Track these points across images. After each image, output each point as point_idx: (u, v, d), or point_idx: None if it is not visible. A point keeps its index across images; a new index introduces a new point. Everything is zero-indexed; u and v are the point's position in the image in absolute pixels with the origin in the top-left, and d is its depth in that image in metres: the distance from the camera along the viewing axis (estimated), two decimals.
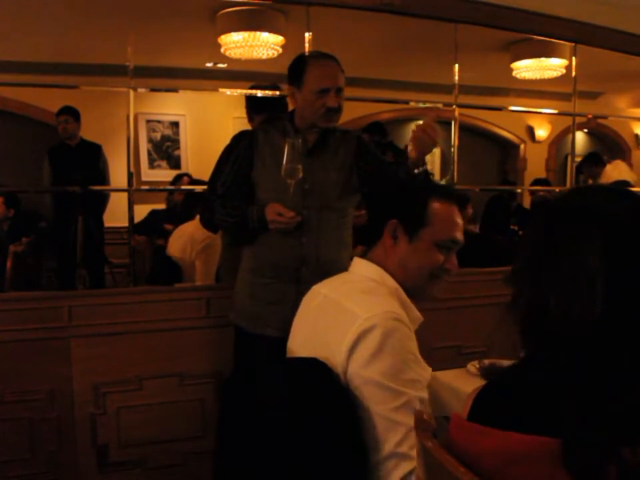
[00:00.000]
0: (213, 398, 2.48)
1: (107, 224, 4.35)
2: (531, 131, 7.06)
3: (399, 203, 1.41)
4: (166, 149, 5.88)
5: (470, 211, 4.47)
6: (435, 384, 1.85)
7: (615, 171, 5.33)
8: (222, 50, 4.03)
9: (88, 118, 4.25)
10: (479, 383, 0.89)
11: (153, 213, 4.71)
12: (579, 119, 3.60)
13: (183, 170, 5.62)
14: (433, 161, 6.56)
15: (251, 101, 2.74)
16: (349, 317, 1.24)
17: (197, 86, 4.81)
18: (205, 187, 2.70)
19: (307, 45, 2.70)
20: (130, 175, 2.65)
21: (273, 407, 1.21)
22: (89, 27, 3.65)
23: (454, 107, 3.07)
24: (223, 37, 3.88)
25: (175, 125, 5.88)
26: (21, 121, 5.27)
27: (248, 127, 2.68)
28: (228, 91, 3.13)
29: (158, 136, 5.84)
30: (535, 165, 6.94)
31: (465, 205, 4.45)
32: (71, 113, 4.10)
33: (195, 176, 4.67)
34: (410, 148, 1.87)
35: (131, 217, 2.64)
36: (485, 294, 2.79)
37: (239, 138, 2.32)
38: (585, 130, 7.24)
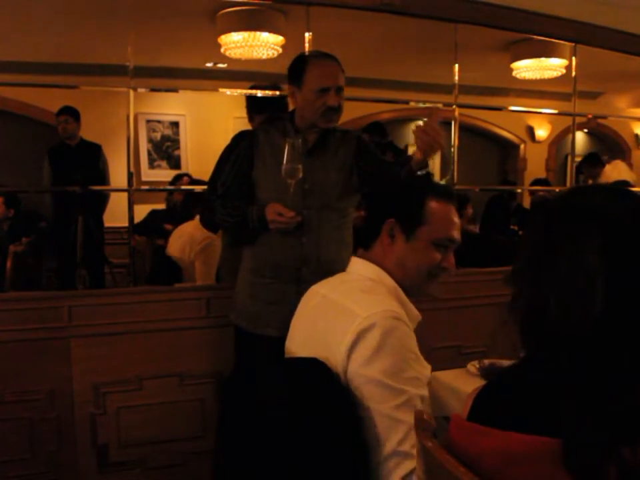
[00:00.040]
0: (213, 398, 2.48)
1: (107, 224, 4.35)
2: (530, 130, 7.06)
3: (396, 202, 1.41)
4: (166, 149, 5.88)
5: (470, 210, 4.48)
6: (435, 384, 1.84)
7: (615, 171, 5.33)
8: (222, 50, 4.03)
9: (88, 118, 4.25)
10: (479, 383, 0.90)
11: (152, 213, 4.71)
12: (578, 119, 3.60)
13: (183, 170, 5.62)
14: (433, 161, 6.56)
15: (251, 101, 2.74)
16: (348, 316, 1.25)
17: (197, 86, 4.81)
18: (205, 186, 2.70)
19: (307, 44, 2.70)
20: (130, 175, 2.65)
21: (273, 406, 1.21)
22: (89, 27, 3.65)
23: (454, 106, 3.07)
24: (222, 37, 3.88)
25: (175, 125, 5.88)
26: (20, 120, 5.27)
27: (248, 126, 2.68)
28: (228, 91, 3.13)
29: (158, 136, 5.84)
30: (535, 164, 6.94)
31: (465, 204, 4.45)
32: (70, 113, 4.11)
33: (195, 176, 4.67)
34: (414, 149, 1.87)
35: (131, 217, 2.64)
36: (484, 294, 2.79)
37: (239, 138, 2.32)
38: (585, 130, 7.24)
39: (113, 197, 4.36)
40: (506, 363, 1.73)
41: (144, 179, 5.61)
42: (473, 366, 1.95)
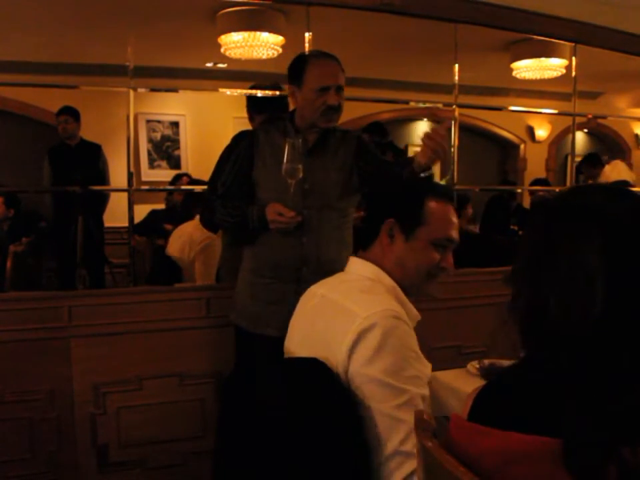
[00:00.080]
0: (213, 398, 2.48)
1: (107, 224, 4.35)
2: (530, 130, 7.06)
3: (395, 202, 1.42)
4: (166, 149, 5.88)
5: (470, 210, 4.48)
6: (435, 384, 1.84)
7: (614, 172, 5.33)
8: (222, 50, 4.03)
9: (88, 118, 4.25)
10: (479, 383, 0.90)
11: (152, 213, 4.71)
12: (579, 119, 3.60)
13: (183, 170, 5.62)
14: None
15: (251, 101, 2.74)
16: (349, 316, 1.25)
17: (197, 86, 4.81)
18: (205, 186, 2.70)
19: (307, 44, 2.70)
20: (130, 175, 2.65)
21: (273, 406, 1.21)
22: (89, 27, 3.65)
23: (454, 106, 3.07)
24: (222, 36, 3.88)
25: (175, 125, 5.88)
26: (21, 120, 5.27)
27: (248, 126, 2.68)
28: (228, 91, 3.13)
29: (158, 136, 5.84)
30: (535, 164, 6.94)
31: (465, 204, 4.45)
32: (70, 113, 4.11)
33: (195, 176, 4.67)
34: (416, 151, 1.87)
35: (131, 217, 2.64)
36: (485, 294, 2.79)
37: (240, 138, 2.32)
38: (585, 130, 7.24)
39: (113, 196, 4.36)
40: (506, 362, 1.73)
41: (144, 179, 5.61)
42: (472, 366, 1.95)
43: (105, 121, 4.35)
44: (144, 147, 5.75)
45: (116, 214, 3.80)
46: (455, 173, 3.11)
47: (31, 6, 3.32)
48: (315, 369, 1.22)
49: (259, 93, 2.73)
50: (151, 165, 5.83)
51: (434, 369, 1.32)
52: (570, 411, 0.72)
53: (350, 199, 2.11)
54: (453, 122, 3.10)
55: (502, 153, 7.34)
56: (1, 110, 5.11)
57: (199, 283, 3.21)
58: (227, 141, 2.48)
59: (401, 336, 1.21)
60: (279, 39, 3.87)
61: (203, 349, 2.50)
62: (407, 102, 5.35)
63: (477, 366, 1.92)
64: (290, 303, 1.54)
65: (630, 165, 6.32)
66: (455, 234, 1.39)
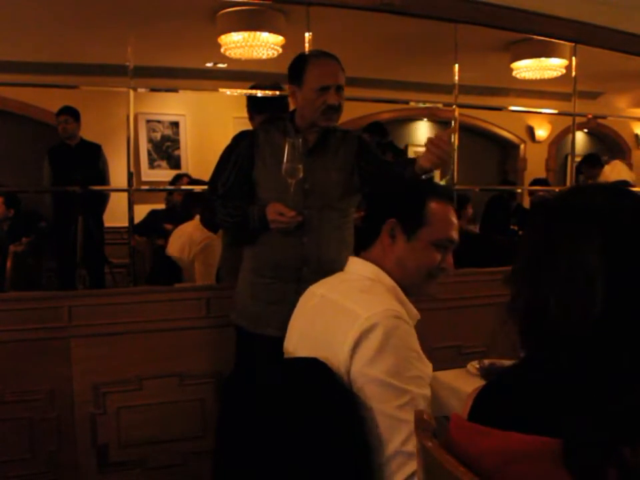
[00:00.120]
0: (213, 398, 2.48)
1: (107, 224, 4.35)
2: (530, 130, 7.06)
3: (397, 202, 1.42)
4: (166, 149, 5.88)
5: (470, 210, 4.48)
6: (435, 384, 1.84)
7: (614, 172, 5.33)
8: (222, 50, 4.03)
9: (88, 118, 4.25)
10: (479, 383, 0.90)
11: (152, 213, 4.71)
12: (579, 119, 3.60)
13: (183, 170, 5.62)
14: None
15: (252, 101, 2.74)
16: (350, 316, 1.25)
17: (197, 86, 4.81)
18: (204, 186, 2.69)
19: (307, 44, 2.70)
20: (130, 175, 2.65)
21: (273, 406, 1.21)
22: (89, 27, 3.65)
23: (454, 106, 3.07)
24: (223, 36, 3.88)
25: (175, 125, 5.88)
26: (20, 120, 5.27)
27: (248, 126, 2.68)
28: (228, 91, 3.13)
29: (158, 136, 5.84)
30: (535, 164, 6.94)
31: (465, 204, 4.44)
32: (70, 113, 4.11)
33: (195, 176, 4.67)
34: (418, 153, 1.87)
35: (131, 217, 2.64)
36: (485, 294, 2.79)
37: (240, 138, 2.32)
38: (585, 130, 7.24)
39: (113, 196, 4.36)
40: (506, 362, 1.73)
41: (144, 179, 5.61)
42: (472, 366, 1.95)
43: (105, 121, 4.35)
44: (144, 147, 5.75)
45: (116, 214, 3.80)
46: (455, 173, 3.11)
47: (31, 6, 3.32)
48: (314, 368, 1.22)
49: (259, 93, 2.72)
50: (151, 164, 5.83)
51: (434, 369, 1.32)
52: (570, 411, 0.72)
53: (351, 199, 2.11)
54: (453, 122, 3.10)
55: (502, 153, 7.34)
56: (1, 110, 5.11)
57: (199, 283, 3.21)
58: (227, 141, 2.48)
59: (402, 336, 1.21)
60: (279, 38, 3.87)
61: (203, 349, 2.50)
62: (407, 102, 5.35)
63: (477, 366, 1.92)
64: (290, 303, 1.54)
65: (630, 165, 6.32)
66: (455, 234, 1.40)
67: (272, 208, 1.95)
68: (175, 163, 5.89)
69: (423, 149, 1.83)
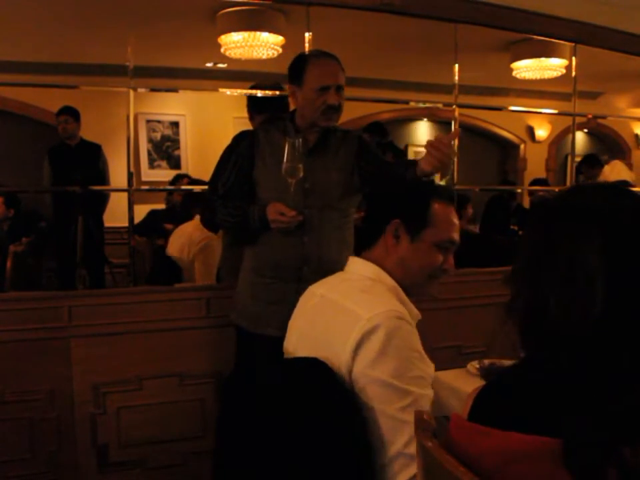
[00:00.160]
0: (213, 398, 2.48)
1: (107, 224, 4.35)
2: (530, 130, 7.06)
3: (403, 203, 1.42)
4: (166, 149, 5.88)
5: (470, 210, 4.48)
6: (435, 384, 1.83)
7: (613, 172, 5.32)
8: (222, 50, 4.03)
9: (88, 118, 4.25)
10: (479, 383, 0.90)
11: (152, 213, 4.71)
12: (579, 119, 3.60)
13: (183, 170, 5.63)
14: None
15: (252, 101, 2.74)
16: (351, 317, 1.24)
17: (197, 86, 4.81)
18: (204, 186, 2.69)
19: (307, 44, 2.70)
20: (130, 175, 2.65)
21: (273, 406, 1.21)
22: (89, 27, 3.65)
23: (454, 106, 3.07)
24: (223, 36, 3.88)
25: (175, 125, 5.88)
26: (20, 120, 5.27)
27: (248, 126, 2.68)
28: (228, 91, 3.13)
29: (158, 136, 5.84)
30: (535, 164, 6.94)
31: (465, 204, 4.42)
32: (70, 113, 4.11)
33: (195, 176, 4.67)
34: (420, 155, 1.86)
35: (131, 217, 2.64)
36: (485, 294, 2.79)
37: (240, 138, 2.32)
38: (585, 130, 7.24)
39: (113, 196, 4.36)
40: (506, 362, 1.73)
41: (144, 179, 5.61)
42: (472, 366, 1.95)
43: (105, 121, 4.35)
44: (144, 147, 5.75)
45: (116, 214, 3.80)
46: (455, 173, 3.11)
47: (31, 6, 3.32)
48: (314, 368, 1.22)
49: (259, 93, 2.72)
50: (151, 164, 5.83)
51: (434, 369, 1.32)
52: (570, 411, 0.72)
53: (351, 199, 2.11)
54: (453, 122, 3.10)
55: (502, 153, 7.35)
56: (1, 110, 5.11)
57: (199, 283, 3.21)
58: (227, 141, 2.48)
59: (404, 337, 1.21)
60: (279, 38, 3.87)
61: (203, 349, 2.50)
62: (407, 102, 5.36)
63: (477, 366, 1.92)
64: (291, 303, 1.54)
65: (630, 165, 6.32)
66: (456, 236, 1.41)
67: (272, 208, 1.95)
68: (175, 163, 5.89)
69: (422, 149, 1.83)
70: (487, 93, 4.78)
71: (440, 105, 3.13)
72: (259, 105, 2.70)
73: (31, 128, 5.24)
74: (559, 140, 6.99)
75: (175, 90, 4.86)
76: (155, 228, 4.34)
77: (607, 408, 0.71)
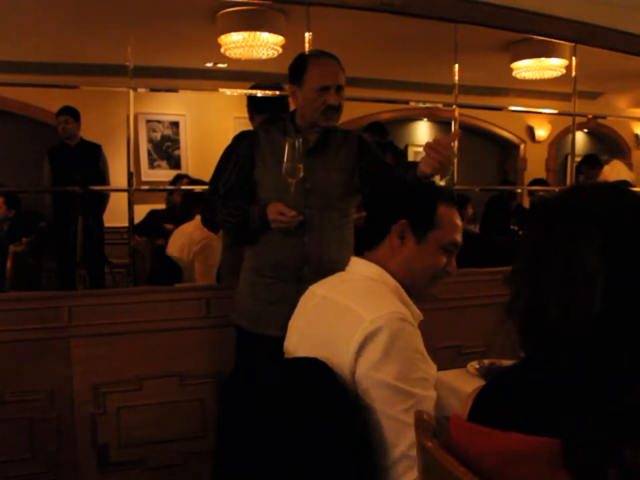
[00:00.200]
0: (213, 398, 2.48)
1: (107, 224, 4.35)
2: (530, 130, 7.06)
3: (410, 204, 1.41)
4: (166, 149, 5.88)
5: (470, 210, 4.48)
6: (435, 384, 1.84)
7: (613, 172, 5.33)
8: (222, 50, 4.04)
9: (88, 118, 4.26)
10: (479, 383, 0.90)
11: (152, 213, 4.71)
12: (579, 119, 3.60)
13: (183, 170, 5.63)
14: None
15: (252, 101, 2.74)
16: (353, 318, 1.24)
17: (197, 86, 4.81)
18: (205, 186, 2.69)
19: (307, 44, 2.70)
20: (130, 175, 2.65)
21: (273, 406, 1.21)
22: (89, 27, 3.65)
23: (454, 106, 3.07)
24: (223, 36, 3.89)
25: (175, 125, 5.88)
26: (20, 120, 5.28)
27: (248, 126, 2.68)
28: (228, 91, 3.13)
29: (158, 136, 5.84)
30: (535, 164, 6.94)
31: (465, 204, 4.42)
32: (70, 113, 4.11)
33: (195, 176, 4.67)
34: (421, 156, 1.85)
35: (131, 217, 2.64)
36: (485, 294, 2.79)
37: (240, 138, 2.32)
38: (585, 130, 7.24)
39: (113, 196, 4.36)
40: (506, 362, 1.73)
41: (144, 179, 5.61)
42: (472, 366, 1.95)
43: (105, 121, 4.35)
44: (144, 146, 5.75)
45: (116, 214, 3.80)
46: (455, 173, 3.11)
47: (31, 6, 3.32)
48: (315, 369, 1.22)
49: (259, 93, 2.72)
50: (151, 165, 5.83)
51: None
52: (570, 410, 0.72)
53: (351, 199, 2.11)
54: (453, 122, 3.10)
55: (502, 153, 7.35)
56: (1, 110, 5.11)
57: (199, 283, 3.21)
58: (227, 141, 2.48)
59: (407, 338, 1.21)
60: (279, 38, 3.87)
61: (203, 349, 2.50)
62: (407, 102, 5.36)
63: (477, 366, 1.92)
64: (291, 303, 1.54)
65: (630, 165, 6.32)
66: (460, 238, 1.41)
67: (273, 208, 1.95)
68: (175, 163, 5.89)
69: (422, 149, 1.82)
70: (486, 92, 4.78)
71: (440, 105, 3.13)
72: (259, 105, 2.70)
73: (30, 128, 5.24)
74: (559, 140, 7.00)
75: (175, 90, 4.87)
76: (155, 228, 4.34)
77: (607, 408, 0.71)
